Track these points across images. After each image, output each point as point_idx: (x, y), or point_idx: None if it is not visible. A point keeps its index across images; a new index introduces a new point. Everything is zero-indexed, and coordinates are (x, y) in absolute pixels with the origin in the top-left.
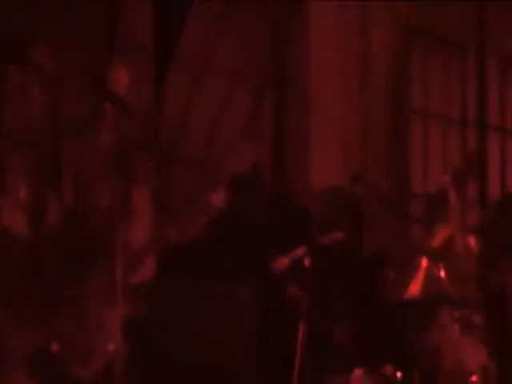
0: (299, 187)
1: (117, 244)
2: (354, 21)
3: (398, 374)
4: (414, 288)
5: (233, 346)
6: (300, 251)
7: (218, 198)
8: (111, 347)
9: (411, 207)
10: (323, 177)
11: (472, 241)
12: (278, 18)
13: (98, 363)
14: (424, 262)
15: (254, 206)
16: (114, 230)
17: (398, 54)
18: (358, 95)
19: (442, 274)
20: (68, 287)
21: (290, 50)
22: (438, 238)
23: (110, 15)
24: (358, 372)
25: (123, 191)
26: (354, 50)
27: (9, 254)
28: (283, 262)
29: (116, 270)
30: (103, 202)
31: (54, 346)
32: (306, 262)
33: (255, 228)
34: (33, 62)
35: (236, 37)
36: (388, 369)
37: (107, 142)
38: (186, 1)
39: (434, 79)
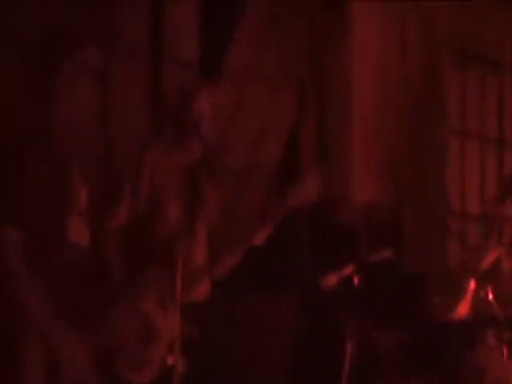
0: (342, 202)
1: (179, 260)
2: (394, 38)
3: None
4: (462, 309)
5: (279, 362)
6: (348, 269)
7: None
8: (170, 360)
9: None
10: (364, 191)
11: None
12: (320, 28)
13: (153, 374)
14: (472, 284)
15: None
16: (177, 246)
17: (435, 72)
18: (396, 111)
19: (490, 296)
20: (128, 296)
21: (332, 61)
22: (488, 260)
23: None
24: None
25: (190, 207)
26: (394, 67)
27: (73, 264)
28: (331, 280)
29: (176, 285)
30: (171, 215)
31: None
32: (355, 279)
33: (304, 246)
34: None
35: (277, 48)
36: None
37: (177, 157)
38: (233, 16)
39: (471, 98)
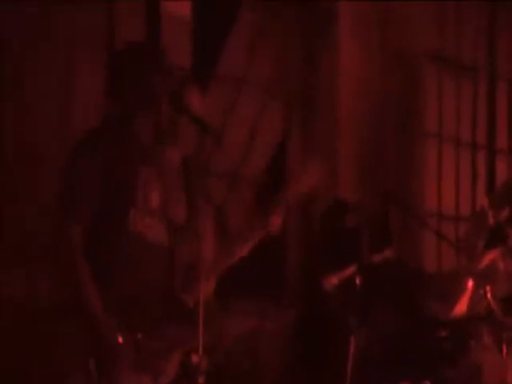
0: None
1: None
2: (375, 48)
3: None
4: (460, 308)
5: (278, 362)
6: (350, 270)
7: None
8: (194, 359)
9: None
10: (352, 194)
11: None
12: (309, 33)
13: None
14: (470, 284)
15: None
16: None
17: (413, 77)
18: (377, 116)
19: (489, 295)
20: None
21: (318, 72)
22: (485, 260)
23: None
24: None
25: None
26: (376, 73)
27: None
28: (333, 280)
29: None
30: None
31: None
32: (357, 280)
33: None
34: None
35: (268, 56)
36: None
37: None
38: (226, 22)
39: (447, 102)
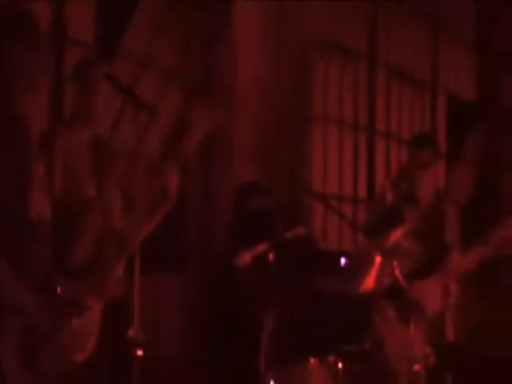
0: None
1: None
2: (272, 38)
3: (340, 365)
4: (368, 284)
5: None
6: (263, 246)
7: None
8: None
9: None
10: (243, 174)
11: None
12: (208, 18)
13: None
14: (378, 259)
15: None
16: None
17: (305, 64)
18: (274, 100)
19: (396, 271)
20: None
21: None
22: (390, 239)
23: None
24: (313, 361)
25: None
26: (273, 58)
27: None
28: (246, 257)
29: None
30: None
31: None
32: (270, 256)
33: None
34: None
35: (170, 37)
36: (331, 359)
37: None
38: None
39: (332, 87)
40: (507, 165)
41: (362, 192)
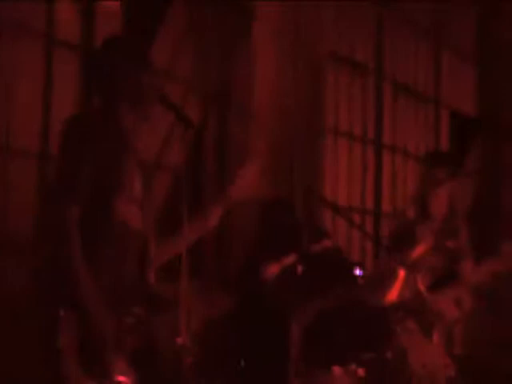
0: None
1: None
2: (287, 51)
3: (361, 372)
4: (391, 296)
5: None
6: (291, 258)
7: None
8: (179, 340)
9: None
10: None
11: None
12: (228, 31)
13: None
14: (402, 273)
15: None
16: None
17: (317, 77)
18: (287, 112)
19: (420, 284)
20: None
21: (235, 69)
22: (415, 253)
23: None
24: (337, 369)
25: None
26: (289, 74)
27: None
28: (274, 269)
29: None
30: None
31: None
32: (299, 268)
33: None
34: None
35: (192, 47)
36: (353, 367)
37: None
38: (157, 12)
39: (343, 99)
40: (508, 177)
41: (370, 203)
